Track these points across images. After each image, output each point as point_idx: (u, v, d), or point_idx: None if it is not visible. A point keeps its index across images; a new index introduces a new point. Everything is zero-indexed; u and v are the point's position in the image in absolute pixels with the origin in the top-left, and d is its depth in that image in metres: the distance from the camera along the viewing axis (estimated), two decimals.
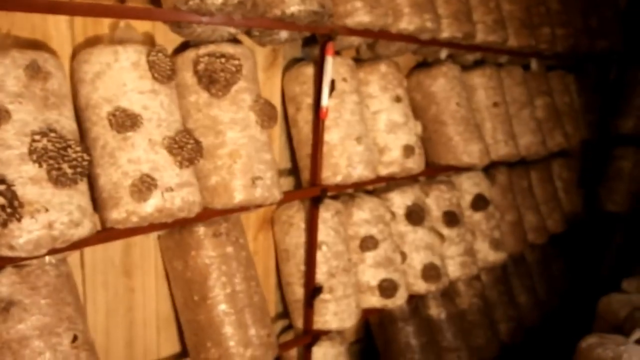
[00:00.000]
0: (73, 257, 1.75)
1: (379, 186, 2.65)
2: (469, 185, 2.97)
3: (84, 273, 1.82)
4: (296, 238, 2.23)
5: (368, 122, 2.37)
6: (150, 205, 1.54)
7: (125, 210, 1.54)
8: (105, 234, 1.58)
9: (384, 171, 2.41)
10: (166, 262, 1.95)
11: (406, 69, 2.79)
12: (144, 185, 1.52)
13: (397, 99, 2.43)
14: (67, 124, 1.48)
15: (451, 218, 2.77)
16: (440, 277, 2.59)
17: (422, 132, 2.65)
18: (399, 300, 2.44)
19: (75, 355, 1.50)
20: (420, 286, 2.57)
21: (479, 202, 2.97)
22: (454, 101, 2.69)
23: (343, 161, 2.18)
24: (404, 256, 2.55)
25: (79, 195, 1.45)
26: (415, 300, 2.75)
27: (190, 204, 1.63)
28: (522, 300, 3.51)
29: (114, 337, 1.93)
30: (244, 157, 1.79)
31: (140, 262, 1.95)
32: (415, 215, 2.57)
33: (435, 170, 2.76)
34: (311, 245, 2.17)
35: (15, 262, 1.43)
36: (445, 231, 2.76)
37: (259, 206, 1.87)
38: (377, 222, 2.41)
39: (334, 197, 2.40)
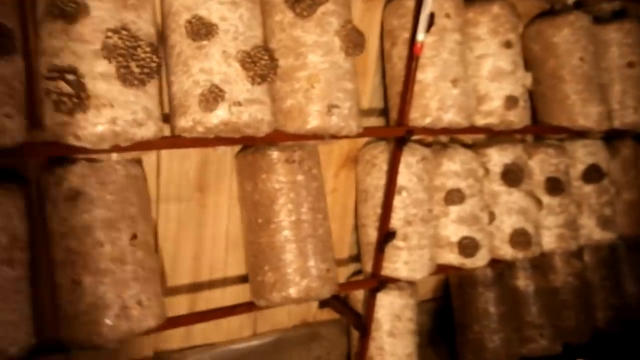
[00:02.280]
0: (150, 164, 1.80)
1: (478, 140, 2.47)
2: (584, 154, 2.69)
3: (159, 182, 1.87)
4: (377, 179, 2.14)
5: (470, 66, 2.18)
6: (216, 117, 1.52)
7: (192, 118, 1.53)
8: (170, 140, 1.58)
9: (480, 121, 2.22)
10: (238, 183, 1.95)
11: (527, 18, 2.53)
12: (212, 96, 1.50)
13: (507, 45, 2.21)
14: (144, 26, 1.48)
15: (555, 185, 2.52)
16: (529, 245, 2.38)
17: (532, 84, 2.41)
18: (480, 261, 2.28)
19: (131, 252, 1.55)
20: (507, 251, 2.38)
21: (593, 174, 2.68)
22: (577, 55, 2.40)
23: (434, 103, 2.03)
24: (492, 217, 2.37)
25: (146, 97, 1.46)
26: (502, 267, 2.57)
27: (258, 121, 1.58)
28: (630, 289, 3.17)
29: (183, 249, 1.98)
30: (323, 83, 1.72)
31: (215, 180, 1.97)
32: (513, 176, 2.37)
33: (543, 130, 2.51)
34: (390, 187, 2.07)
35: (88, 154, 1.48)
36: (546, 199, 2.53)
37: (333, 136, 1.79)
38: (467, 176, 2.25)
39: (427, 145, 2.27)
